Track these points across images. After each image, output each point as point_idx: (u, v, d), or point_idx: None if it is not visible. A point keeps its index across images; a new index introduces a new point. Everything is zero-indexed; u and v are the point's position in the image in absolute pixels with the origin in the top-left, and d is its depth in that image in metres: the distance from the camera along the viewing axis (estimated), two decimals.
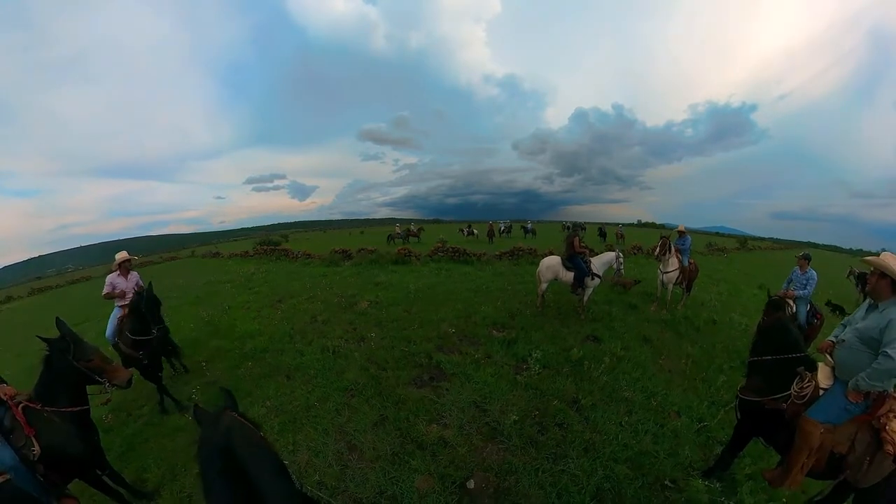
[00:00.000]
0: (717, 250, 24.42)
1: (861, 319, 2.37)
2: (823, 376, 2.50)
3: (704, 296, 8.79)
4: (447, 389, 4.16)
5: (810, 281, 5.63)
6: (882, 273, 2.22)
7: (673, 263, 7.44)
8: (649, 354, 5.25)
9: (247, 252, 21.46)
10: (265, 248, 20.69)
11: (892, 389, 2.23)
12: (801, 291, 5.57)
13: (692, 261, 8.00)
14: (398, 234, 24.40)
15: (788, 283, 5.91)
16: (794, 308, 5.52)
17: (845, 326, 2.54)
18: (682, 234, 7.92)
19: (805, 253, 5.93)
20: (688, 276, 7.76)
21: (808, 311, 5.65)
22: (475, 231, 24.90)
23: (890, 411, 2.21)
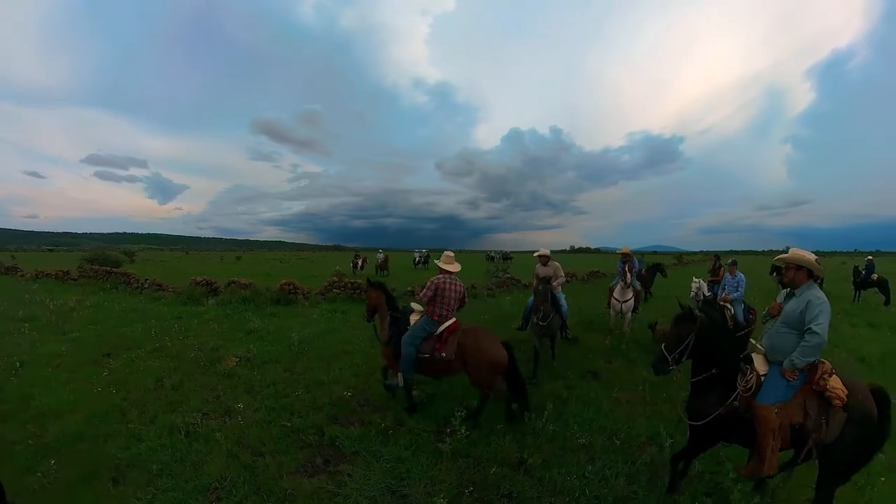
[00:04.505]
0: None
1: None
2: (759, 364, 2.95)
3: (651, 315, 9.06)
4: (349, 475, 3.48)
5: (741, 283, 6.49)
6: (798, 265, 2.82)
7: (629, 291, 7.34)
8: (600, 390, 5.14)
9: (67, 272, 16.93)
10: (97, 268, 16.49)
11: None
12: (735, 294, 6.37)
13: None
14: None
15: (722, 288, 6.68)
16: (733, 310, 6.22)
17: (769, 317, 3.10)
18: (626, 256, 7.68)
19: (733, 259, 6.81)
20: (636, 297, 7.88)
21: (743, 310, 6.45)
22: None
23: (824, 373, 2.72)
